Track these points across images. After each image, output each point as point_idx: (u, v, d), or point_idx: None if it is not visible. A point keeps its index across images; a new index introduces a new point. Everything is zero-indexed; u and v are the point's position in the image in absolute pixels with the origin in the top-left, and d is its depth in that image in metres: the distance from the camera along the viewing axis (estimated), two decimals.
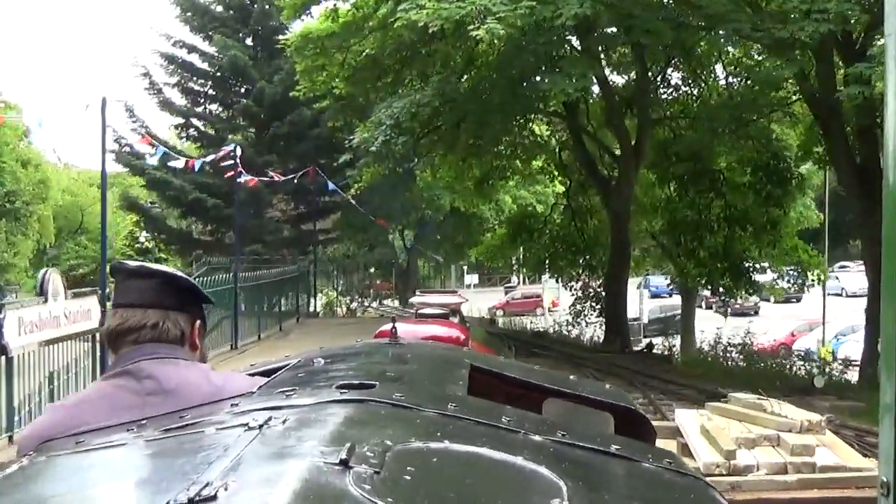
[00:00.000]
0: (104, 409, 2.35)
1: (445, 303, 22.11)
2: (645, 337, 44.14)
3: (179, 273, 2.73)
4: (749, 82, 30.95)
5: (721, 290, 34.15)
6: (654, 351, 31.80)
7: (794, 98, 29.65)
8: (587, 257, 36.36)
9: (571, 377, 3.03)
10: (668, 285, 50.95)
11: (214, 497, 1.28)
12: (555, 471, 1.63)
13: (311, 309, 34.88)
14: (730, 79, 32.96)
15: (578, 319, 37.37)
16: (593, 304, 36.88)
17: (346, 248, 37.67)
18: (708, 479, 2.18)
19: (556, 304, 53.85)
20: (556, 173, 38.34)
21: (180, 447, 1.78)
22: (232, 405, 2.04)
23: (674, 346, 34.49)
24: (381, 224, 33.18)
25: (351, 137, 28.97)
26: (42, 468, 1.86)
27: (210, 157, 27.90)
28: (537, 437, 1.88)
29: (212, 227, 39.35)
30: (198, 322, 2.70)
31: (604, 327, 33.81)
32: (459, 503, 1.46)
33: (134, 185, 43.67)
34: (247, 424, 1.72)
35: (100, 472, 1.80)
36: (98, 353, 14.24)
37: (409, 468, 1.49)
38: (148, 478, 1.65)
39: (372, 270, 40.18)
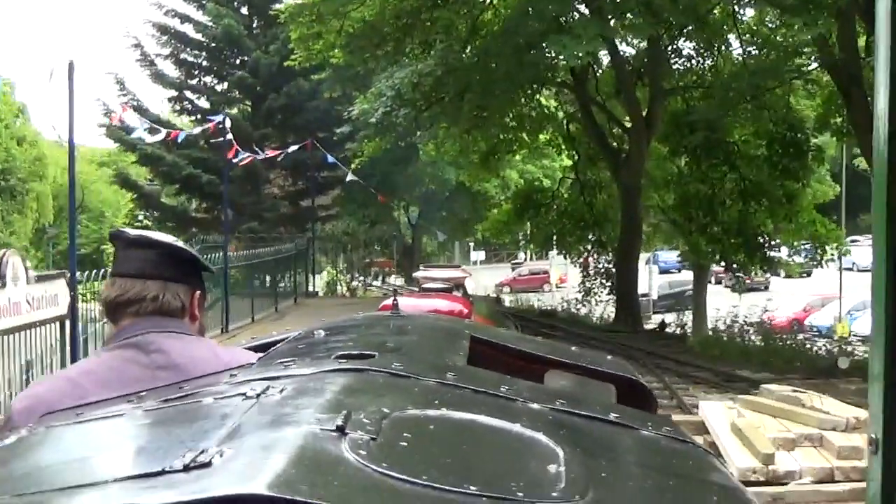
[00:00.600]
0: (112, 381, 2.32)
1: (449, 277, 22.25)
2: (655, 313, 43.28)
3: (180, 244, 2.68)
4: (766, 50, 29.64)
5: (735, 266, 33.08)
6: (667, 330, 30.60)
7: (811, 66, 28.39)
8: (597, 233, 35.45)
9: (573, 348, 2.96)
10: (679, 260, 50.54)
11: (209, 463, 1.27)
12: (552, 438, 1.61)
13: (311, 288, 33.69)
14: (745, 48, 31.51)
15: (588, 297, 36.13)
16: (603, 280, 35.75)
17: (345, 225, 36.10)
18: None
19: (563, 280, 53.42)
20: (563, 146, 37.36)
21: (178, 416, 1.78)
22: (230, 376, 2.01)
23: (686, 324, 33.38)
24: (381, 200, 31.82)
25: (350, 109, 27.85)
26: (40, 439, 1.85)
27: (197, 130, 26.69)
28: (535, 406, 1.87)
29: (207, 205, 38.00)
30: (197, 293, 2.68)
31: (614, 305, 32.96)
32: (456, 468, 1.41)
33: (130, 162, 42.41)
34: (244, 394, 1.68)
35: (97, 442, 1.78)
36: (68, 343, 13.13)
37: (405, 434, 1.48)
38: (145, 446, 1.60)
39: (377, 248, 38.38)
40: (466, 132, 29.60)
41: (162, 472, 1.28)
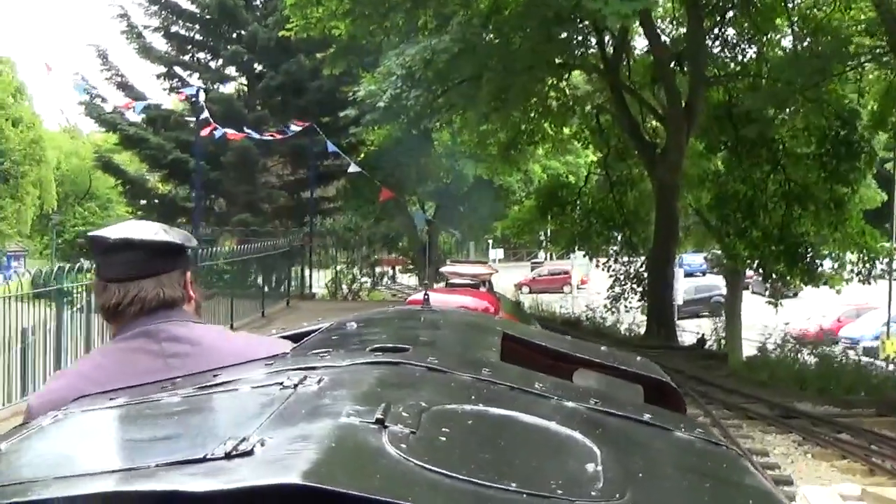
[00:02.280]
0: (125, 373, 2.27)
1: (476, 273, 22.03)
2: (680, 318, 40.24)
3: (162, 235, 2.57)
4: (819, 37, 26.52)
5: (773, 275, 30.05)
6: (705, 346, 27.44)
7: (870, 56, 25.19)
8: (627, 233, 32.60)
9: (602, 348, 2.90)
10: (706, 264, 48.18)
11: (251, 452, 1.29)
12: (589, 436, 1.61)
13: (308, 289, 30.42)
14: (796, 35, 28.29)
15: (616, 304, 33.14)
16: (634, 286, 32.77)
17: (348, 220, 32.28)
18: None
19: (585, 281, 51.60)
20: (590, 139, 34.47)
21: (215, 404, 1.79)
22: (266, 364, 2.00)
23: (722, 337, 30.36)
24: (387, 195, 28.56)
25: (356, 89, 24.90)
26: (77, 421, 1.81)
27: (156, 102, 23.55)
28: (570, 404, 1.85)
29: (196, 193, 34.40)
30: (188, 273, 2.66)
31: (644, 314, 30.17)
32: (494, 464, 1.41)
33: (113, 143, 39.25)
34: (281, 383, 1.69)
35: (134, 426, 1.78)
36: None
37: (444, 429, 1.49)
38: (184, 432, 1.58)
39: (382, 245, 34.60)
40: (484, 116, 26.53)
41: (204, 459, 1.30)
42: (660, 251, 27.95)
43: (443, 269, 24.67)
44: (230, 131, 23.25)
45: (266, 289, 25.88)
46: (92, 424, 1.80)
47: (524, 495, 1.28)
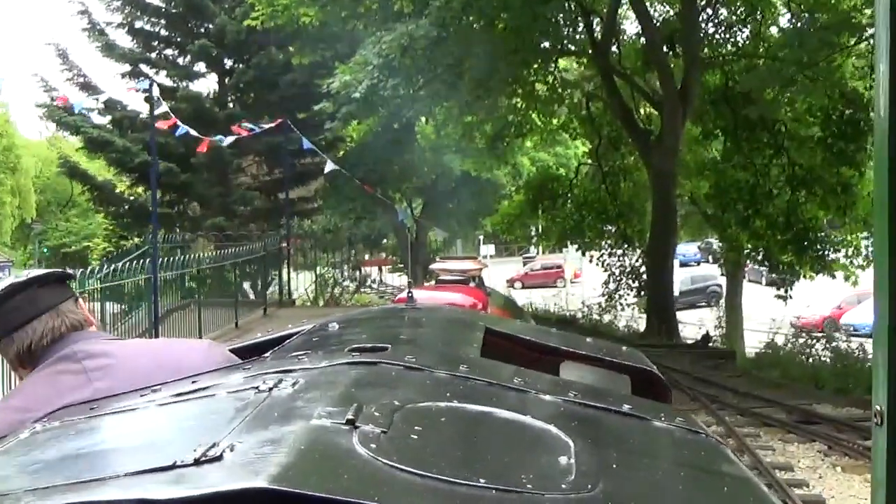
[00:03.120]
0: (51, 396, 2.31)
1: (465, 269, 22.15)
2: (677, 310, 38.92)
3: (35, 272, 2.63)
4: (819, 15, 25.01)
5: (780, 266, 28.56)
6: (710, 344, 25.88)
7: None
8: (621, 226, 31.08)
9: (589, 340, 2.94)
10: (700, 254, 47.18)
11: (220, 457, 1.30)
12: (564, 429, 1.63)
13: (286, 296, 28.14)
14: (793, 11, 26.79)
15: (612, 302, 31.63)
16: (629, 282, 31.25)
17: (326, 220, 30.15)
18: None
19: (578, 275, 50.86)
20: (579, 130, 33.04)
21: (190, 410, 1.80)
22: (244, 369, 2.05)
23: (723, 332, 28.86)
24: (367, 190, 26.89)
25: (330, 81, 23.40)
26: (54, 433, 1.84)
27: (104, 96, 21.89)
28: (548, 397, 1.89)
29: (170, 198, 32.12)
30: (78, 300, 2.68)
31: (643, 311, 28.94)
32: (465, 461, 1.44)
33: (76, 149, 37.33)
34: (257, 387, 1.72)
35: (108, 436, 1.81)
36: None
37: (416, 427, 1.51)
38: (157, 440, 1.62)
39: (363, 246, 32.21)
40: (468, 106, 25.03)
41: (173, 466, 1.30)
42: (658, 243, 26.48)
43: (433, 266, 24.66)
44: (193, 132, 21.65)
45: (242, 297, 24.26)
46: (67, 436, 1.78)
47: (493, 491, 1.28)
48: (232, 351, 2.67)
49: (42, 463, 1.60)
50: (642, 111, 29.27)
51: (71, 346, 2.48)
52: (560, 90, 29.87)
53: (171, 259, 20.25)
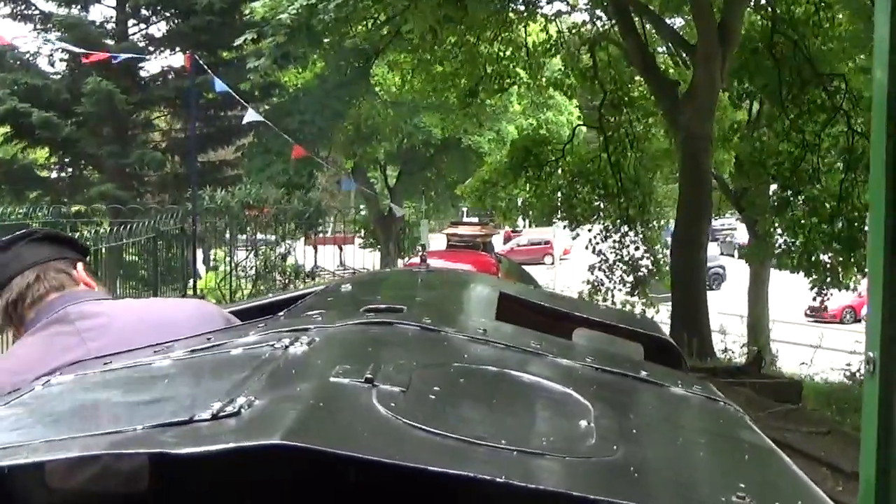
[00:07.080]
0: (45, 357, 2.27)
1: (475, 234, 22.61)
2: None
3: (31, 230, 2.58)
4: None
5: (818, 268, 22.10)
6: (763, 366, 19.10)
7: None
8: (623, 204, 24.78)
9: (602, 306, 2.04)
10: None
11: (238, 413, 1.29)
12: (582, 393, 1.63)
13: (192, 291, 19.83)
14: None
15: (597, 293, 25.15)
16: (624, 274, 25.10)
17: (246, 192, 23.21)
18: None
19: (567, 252, 47.76)
20: (577, 86, 26.84)
21: (206, 367, 1.79)
22: (259, 326, 2.00)
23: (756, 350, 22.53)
24: (296, 154, 20.71)
25: (252, 4, 17.37)
26: (66, 387, 1.83)
27: None
28: (566, 361, 1.89)
29: (58, 158, 25.69)
30: (80, 264, 2.60)
31: (646, 306, 23.71)
32: (486, 422, 1.43)
33: None
34: (273, 345, 1.71)
35: (125, 391, 1.76)
36: None
37: (435, 388, 1.49)
38: (173, 395, 1.60)
39: (310, 226, 25.37)
40: (434, 33, 18.83)
41: (191, 421, 1.30)
42: (687, 229, 19.96)
43: (444, 231, 24.77)
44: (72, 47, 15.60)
45: (126, 293, 17.89)
46: (82, 390, 1.78)
47: (514, 453, 1.27)
48: (233, 313, 2.62)
49: (57, 415, 1.57)
50: (664, 58, 24.30)
51: (65, 307, 2.41)
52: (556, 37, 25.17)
53: None
